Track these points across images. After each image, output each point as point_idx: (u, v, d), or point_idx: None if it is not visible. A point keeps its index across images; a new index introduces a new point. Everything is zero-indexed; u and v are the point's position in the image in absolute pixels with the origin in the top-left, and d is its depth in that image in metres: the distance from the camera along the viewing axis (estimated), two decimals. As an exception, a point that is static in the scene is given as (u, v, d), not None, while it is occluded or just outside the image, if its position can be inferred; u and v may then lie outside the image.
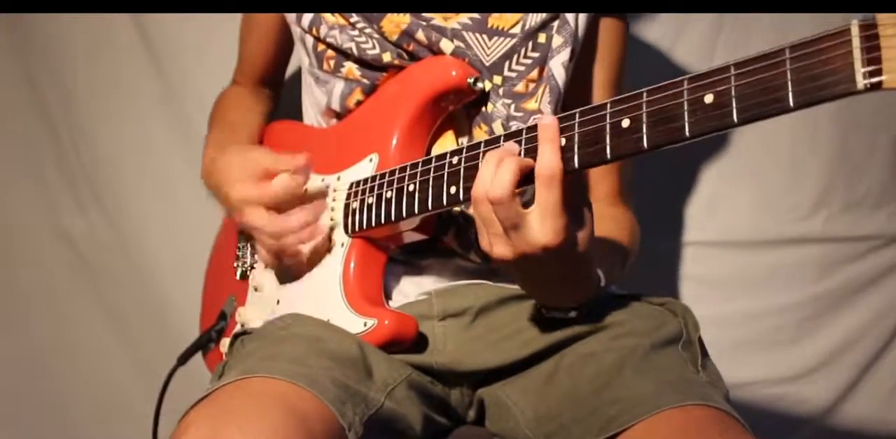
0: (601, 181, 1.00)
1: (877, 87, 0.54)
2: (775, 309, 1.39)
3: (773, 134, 1.36)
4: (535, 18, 0.90)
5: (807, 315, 1.39)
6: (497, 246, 0.74)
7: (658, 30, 1.34)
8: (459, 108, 0.92)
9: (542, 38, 0.90)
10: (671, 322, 0.88)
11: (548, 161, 0.70)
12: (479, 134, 0.90)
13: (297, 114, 1.09)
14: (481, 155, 0.77)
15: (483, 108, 0.91)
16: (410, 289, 0.93)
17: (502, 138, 0.76)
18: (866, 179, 1.38)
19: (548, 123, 0.72)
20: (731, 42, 1.34)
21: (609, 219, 0.96)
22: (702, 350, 0.86)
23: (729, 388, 0.83)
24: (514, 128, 0.78)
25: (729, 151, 1.37)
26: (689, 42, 1.35)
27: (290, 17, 0.99)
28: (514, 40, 0.90)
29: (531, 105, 0.90)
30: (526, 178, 0.72)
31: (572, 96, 0.92)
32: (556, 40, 0.90)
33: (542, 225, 0.72)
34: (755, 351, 1.38)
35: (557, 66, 0.90)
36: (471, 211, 0.89)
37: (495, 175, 0.72)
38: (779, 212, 1.38)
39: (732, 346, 1.36)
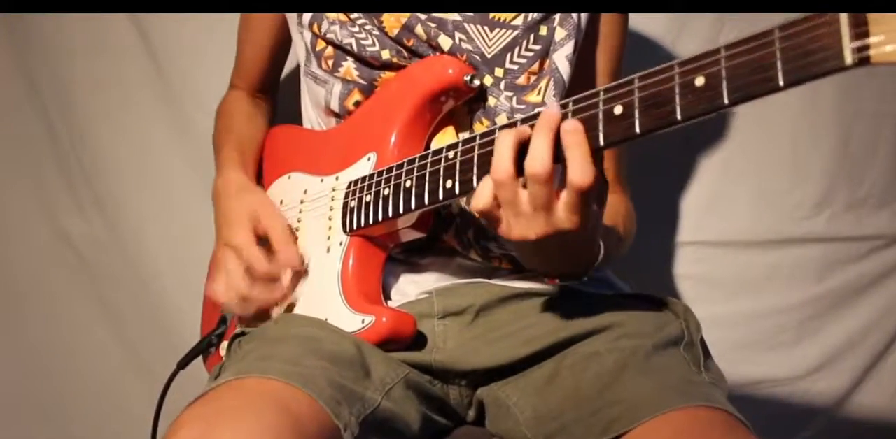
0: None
1: (865, 61, 0.54)
2: (777, 309, 1.38)
3: (775, 133, 1.36)
4: None
5: (809, 315, 1.39)
6: (518, 228, 0.73)
7: (659, 30, 1.34)
8: (460, 105, 0.92)
9: (543, 30, 0.91)
10: (672, 323, 0.88)
11: (581, 170, 0.68)
12: (481, 129, 0.90)
13: (296, 114, 1.09)
14: (476, 148, 0.77)
15: (484, 104, 0.91)
16: (410, 289, 0.93)
17: (497, 130, 0.76)
18: (869, 179, 1.38)
19: (571, 129, 0.69)
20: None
21: (608, 205, 0.97)
22: (703, 350, 0.86)
23: (731, 389, 0.83)
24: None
25: (731, 151, 1.37)
26: (690, 42, 1.35)
27: (291, 14, 0.99)
28: (516, 32, 0.90)
29: (533, 97, 0.90)
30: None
31: (575, 88, 0.92)
32: (560, 33, 0.90)
33: (568, 216, 0.71)
34: (757, 351, 1.38)
35: (561, 59, 0.90)
36: (469, 207, 0.89)
37: (533, 150, 0.70)
38: (781, 212, 1.37)
39: (734, 347, 1.35)
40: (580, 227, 0.72)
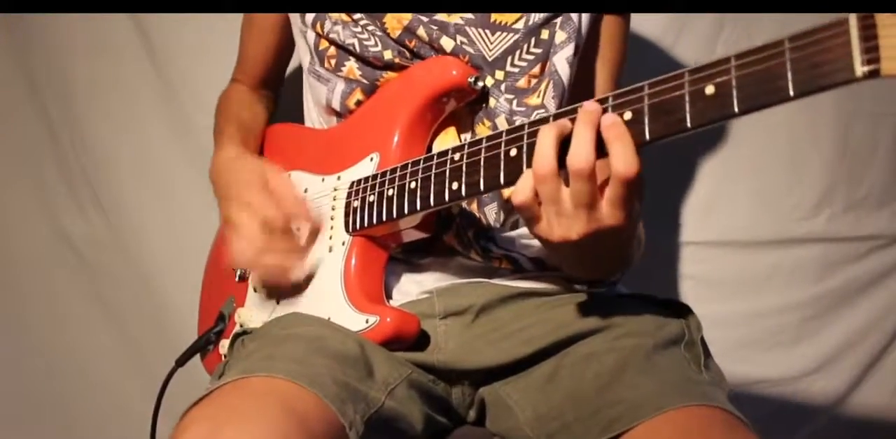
0: None
1: (875, 74, 0.55)
2: (777, 309, 1.39)
3: (774, 133, 1.36)
4: (538, 14, 0.90)
5: (808, 315, 1.39)
6: (559, 228, 0.71)
7: (659, 30, 1.34)
8: (462, 106, 0.92)
9: (544, 33, 0.91)
10: (673, 322, 0.88)
11: (625, 161, 0.67)
12: (482, 130, 0.90)
13: (298, 114, 1.09)
14: (483, 151, 0.77)
15: (485, 105, 0.91)
16: (411, 288, 0.93)
17: (504, 134, 0.76)
18: (868, 179, 1.38)
19: (611, 123, 0.67)
20: (731, 42, 1.35)
21: None
22: (704, 350, 0.86)
23: (731, 388, 0.83)
24: (518, 124, 0.77)
25: (730, 151, 1.37)
26: (690, 42, 1.35)
27: (293, 14, 0.99)
28: (517, 36, 0.90)
29: (533, 100, 0.90)
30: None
31: (575, 91, 0.92)
32: (560, 36, 0.90)
33: (612, 211, 0.70)
34: (756, 351, 1.38)
35: (561, 62, 0.90)
36: (470, 208, 0.89)
37: (576, 144, 0.68)
38: (781, 212, 1.38)
39: (734, 346, 1.36)
40: (624, 224, 0.70)
